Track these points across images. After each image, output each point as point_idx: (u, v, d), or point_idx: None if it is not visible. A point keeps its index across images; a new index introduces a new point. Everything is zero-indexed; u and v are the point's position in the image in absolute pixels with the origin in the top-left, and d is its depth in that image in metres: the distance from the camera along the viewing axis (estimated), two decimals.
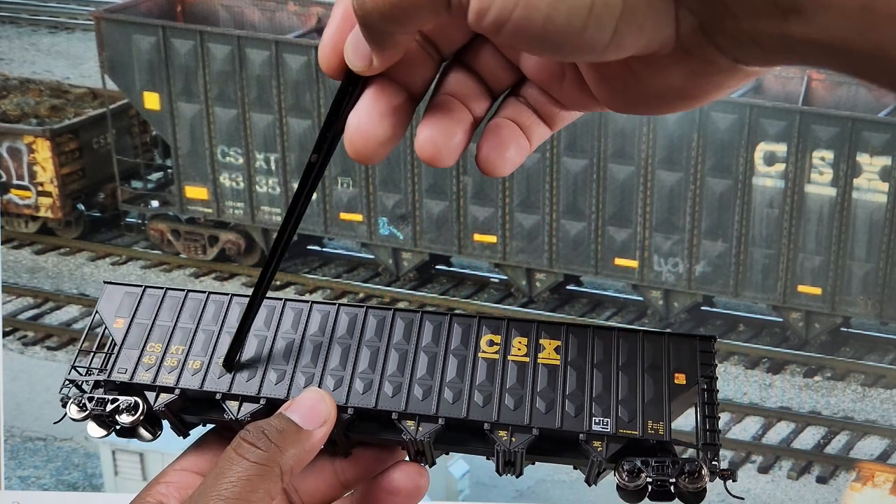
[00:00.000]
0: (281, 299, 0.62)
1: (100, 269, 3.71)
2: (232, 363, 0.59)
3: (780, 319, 3.41)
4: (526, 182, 3.42)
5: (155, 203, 3.79)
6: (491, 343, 0.59)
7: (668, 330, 0.62)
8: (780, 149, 3.23)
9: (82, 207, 3.79)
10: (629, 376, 0.58)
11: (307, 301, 0.62)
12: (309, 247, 3.75)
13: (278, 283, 3.64)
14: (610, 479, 0.58)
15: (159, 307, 0.62)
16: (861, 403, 3.26)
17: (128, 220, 3.83)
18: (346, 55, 0.45)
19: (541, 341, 0.59)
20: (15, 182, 3.68)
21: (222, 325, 0.61)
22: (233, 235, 3.68)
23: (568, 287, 3.60)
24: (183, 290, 0.63)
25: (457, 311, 0.61)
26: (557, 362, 0.58)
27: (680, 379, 0.58)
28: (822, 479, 3.08)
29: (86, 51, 4.13)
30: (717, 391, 0.58)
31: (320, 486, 0.61)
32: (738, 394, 3.30)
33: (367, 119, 0.46)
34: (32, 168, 3.66)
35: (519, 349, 0.59)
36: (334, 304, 0.61)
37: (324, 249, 3.77)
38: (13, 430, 3.13)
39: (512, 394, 0.57)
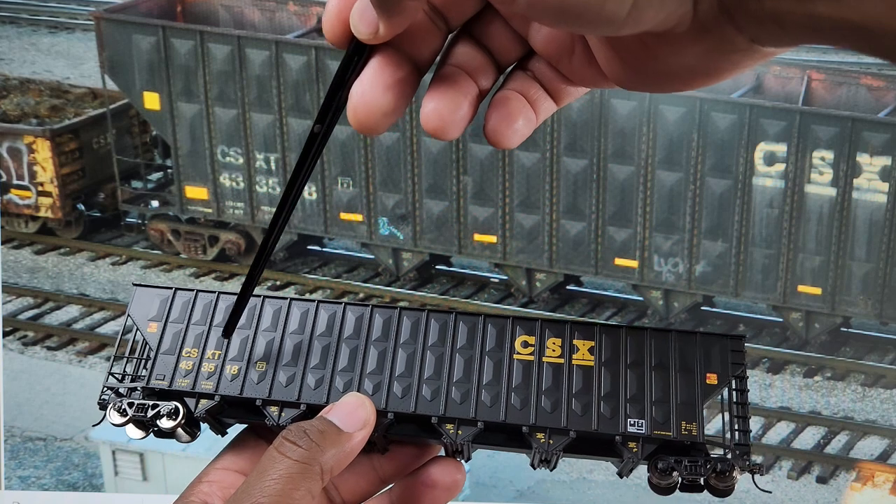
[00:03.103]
0: (314, 301, 0.62)
1: (100, 269, 3.70)
2: (230, 332, 0.60)
3: (780, 319, 3.41)
4: (526, 182, 3.42)
5: (155, 203, 3.79)
6: (525, 344, 0.60)
7: (700, 329, 0.62)
8: (780, 149, 3.23)
9: (82, 207, 3.78)
10: (662, 377, 0.58)
11: (340, 302, 0.62)
12: (309, 247, 3.75)
13: (278, 283, 3.64)
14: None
15: (191, 310, 0.62)
16: (861, 403, 3.27)
17: (128, 220, 3.82)
18: (352, 22, 0.45)
19: (574, 342, 0.59)
20: (15, 182, 3.67)
21: (256, 328, 0.61)
22: (233, 235, 3.67)
23: (568, 287, 3.60)
24: (214, 291, 0.63)
25: (490, 313, 0.62)
26: (592, 363, 0.59)
27: (712, 379, 0.59)
28: (822, 479, 3.08)
29: (86, 51, 4.12)
30: (748, 391, 0.59)
31: (359, 482, 0.62)
32: None
33: (371, 89, 0.46)
34: (32, 168, 3.65)
35: (553, 350, 0.59)
36: (367, 305, 0.62)
37: (324, 249, 3.76)
38: (13, 430, 3.12)
39: (548, 396, 0.58)
